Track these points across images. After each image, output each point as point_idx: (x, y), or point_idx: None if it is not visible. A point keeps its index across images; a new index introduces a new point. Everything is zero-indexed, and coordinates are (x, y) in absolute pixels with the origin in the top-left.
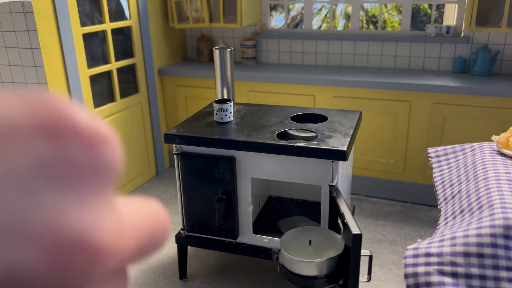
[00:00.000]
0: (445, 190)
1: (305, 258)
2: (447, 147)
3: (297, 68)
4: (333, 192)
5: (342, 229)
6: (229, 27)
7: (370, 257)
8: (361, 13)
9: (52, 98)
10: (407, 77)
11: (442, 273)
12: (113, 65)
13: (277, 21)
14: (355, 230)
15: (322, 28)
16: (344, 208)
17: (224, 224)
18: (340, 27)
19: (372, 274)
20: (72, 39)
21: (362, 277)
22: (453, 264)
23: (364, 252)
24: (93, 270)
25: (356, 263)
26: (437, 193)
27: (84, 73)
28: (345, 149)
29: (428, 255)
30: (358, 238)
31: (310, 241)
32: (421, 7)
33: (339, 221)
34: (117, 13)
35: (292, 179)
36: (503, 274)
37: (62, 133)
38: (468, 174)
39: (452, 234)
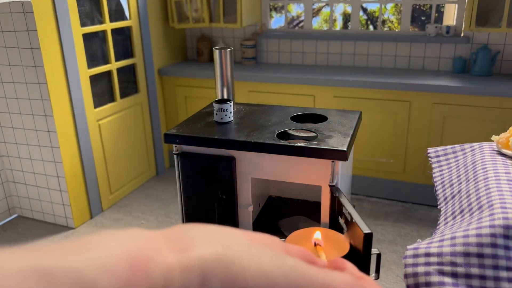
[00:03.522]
0: (445, 190)
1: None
2: (447, 147)
3: (297, 68)
4: (335, 192)
5: (345, 228)
6: (229, 27)
7: (378, 255)
8: (361, 13)
9: None
10: (407, 77)
11: (442, 273)
12: (113, 65)
13: (276, 22)
14: (365, 229)
15: (321, 28)
16: (350, 208)
17: (224, 224)
18: (339, 27)
19: None
20: (72, 39)
21: (371, 275)
22: (453, 264)
23: (373, 250)
24: None
25: (366, 262)
26: (437, 193)
27: (84, 73)
28: (345, 149)
29: (428, 255)
30: (369, 237)
31: (315, 242)
32: (423, 7)
33: (341, 220)
34: (117, 13)
35: (292, 179)
36: (503, 274)
37: None
38: (468, 174)
39: (452, 234)
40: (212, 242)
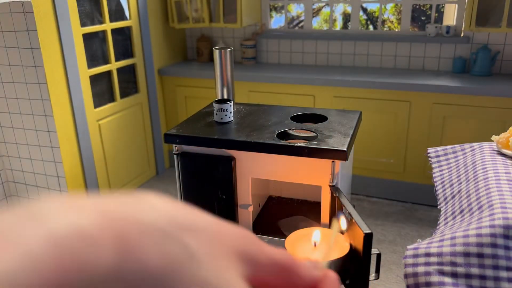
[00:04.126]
0: (445, 190)
1: (312, 259)
2: (447, 147)
3: (297, 68)
4: (335, 192)
5: (345, 228)
6: (229, 27)
7: (379, 255)
8: (361, 13)
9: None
10: (407, 77)
11: (442, 273)
12: (113, 65)
13: (276, 22)
14: (365, 229)
15: (321, 28)
16: (350, 208)
17: None
18: (339, 27)
19: None
20: (72, 39)
21: (370, 275)
22: (453, 264)
23: (373, 250)
24: None
25: (367, 262)
26: (437, 193)
27: (84, 73)
28: (345, 149)
29: (428, 255)
30: (369, 237)
31: (315, 242)
32: (423, 7)
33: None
34: (117, 13)
35: (292, 179)
36: (503, 274)
37: None
38: (468, 174)
39: (452, 234)
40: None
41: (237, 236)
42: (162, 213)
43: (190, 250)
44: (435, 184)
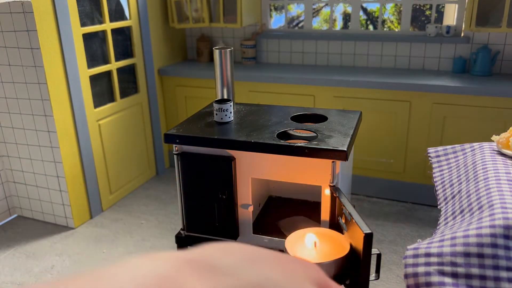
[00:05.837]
0: (445, 190)
1: (313, 260)
2: (447, 147)
3: (297, 68)
4: (335, 192)
5: (345, 228)
6: (229, 27)
7: (379, 255)
8: (361, 13)
9: None
10: (407, 77)
11: (442, 273)
12: (113, 65)
13: (276, 21)
14: (366, 229)
15: (322, 28)
16: (350, 208)
17: (224, 224)
18: (339, 27)
19: None
20: (72, 39)
21: (371, 275)
22: (453, 264)
23: (373, 250)
24: None
25: (367, 262)
26: (437, 193)
27: (84, 73)
28: (345, 149)
29: (428, 255)
30: (369, 237)
31: (315, 242)
32: (423, 7)
33: (341, 220)
34: (117, 13)
35: (292, 179)
36: (503, 274)
37: None
38: (468, 174)
39: (452, 234)
40: (240, 274)
41: (307, 266)
42: (236, 255)
43: (272, 281)
44: (435, 184)
